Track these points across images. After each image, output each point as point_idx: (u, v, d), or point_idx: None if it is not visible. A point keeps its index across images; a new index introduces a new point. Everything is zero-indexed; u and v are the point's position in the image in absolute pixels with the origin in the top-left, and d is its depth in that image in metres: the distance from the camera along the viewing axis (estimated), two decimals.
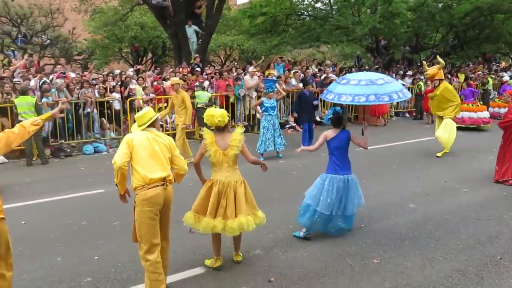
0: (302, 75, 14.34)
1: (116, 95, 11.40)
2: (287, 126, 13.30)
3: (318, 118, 13.07)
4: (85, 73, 12.88)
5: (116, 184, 3.73)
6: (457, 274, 4.15)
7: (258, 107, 9.68)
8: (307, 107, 10.28)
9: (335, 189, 4.88)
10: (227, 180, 4.17)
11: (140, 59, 23.73)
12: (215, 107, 4.95)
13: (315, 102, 10.64)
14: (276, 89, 9.66)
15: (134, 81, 11.94)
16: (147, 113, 3.91)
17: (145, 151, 3.68)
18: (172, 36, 15.87)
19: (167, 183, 3.72)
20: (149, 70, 15.01)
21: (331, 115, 5.07)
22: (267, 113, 9.39)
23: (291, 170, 8.24)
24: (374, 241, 4.93)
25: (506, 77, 17.55)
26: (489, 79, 17.33)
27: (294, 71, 14.78)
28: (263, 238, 5.00)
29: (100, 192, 7.05)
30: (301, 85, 13.47)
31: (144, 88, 11.60)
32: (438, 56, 11.17)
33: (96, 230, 5.39)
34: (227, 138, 4.25)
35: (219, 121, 4.20)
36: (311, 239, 4.98)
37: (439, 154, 9.33)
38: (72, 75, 11.80)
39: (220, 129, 4.28)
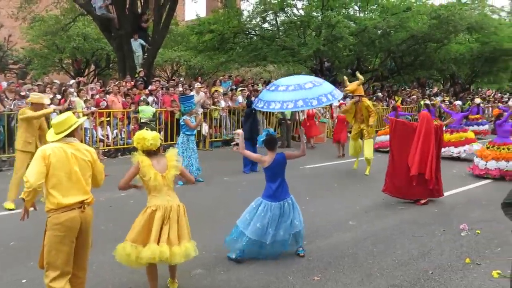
0: (248, 93, 14.50)
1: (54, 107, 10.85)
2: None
3: None
4: (20, 83, 12.20)
5: (23, 199, 3.34)
6: None
7: (189, 122, 8.55)
8: (255, 126, 10.03)
9: (269, 216, 4.80)
10: (169, 204, 3.91)
11: (82, 71, 22.87)
12: (150, 129, 4.41)
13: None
14: (196, 107, 9.05)
15: (74, 93, 11.47)
16: (68, 119, 3.45)
17: (63, 172, 3.31)
18: (117, 49, 15.49)
19: (85, 206, 3.41)
20: (91, 82, 14.52)
21: (264, 137, 4.92)
22: (189, 133, 8.53)
23: (236, 188, 8.23)
24: (316, 258, 5.01)
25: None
26: (422, 103, 18.47)
27: (240, 88, 14.93)
28: (206, 257, 4.90)
29: (31, 209, 6.60)
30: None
31: (85, 101, 11.17)
32: (357, 72, 11.57)
33: (27, 251, 5.02)
34: (162, 160, 4.03)
35: (151, 144, 3.92)
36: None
37: (367, 172, 9.75)
38: (4, 84, 11.13)
39: (152, 153, 4.00)
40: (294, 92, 4.74)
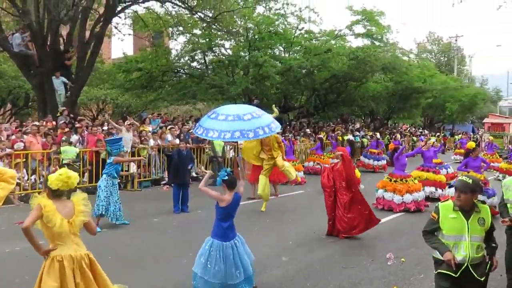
0: (179, 131, 14.36)
1: None
2: (163, 182, 12.98)
3: (194, 174, 12.98)
4: None
5: None
6: None
7: (120, 158, 8.35)
8: (182, 166, 9.61)
9: (223, 257, 4.60)
10: (77, 254, 3.51)
11: None
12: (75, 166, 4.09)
13: (189, 166, 10.14)
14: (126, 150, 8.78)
15: None
16: None
17: None
18: (37, 87, 14.69)
19: None
20: (8, 122, 13.55)
21: (225, 177, 4.78)
22: (114, 175, 8.10)
23: (165, 229, 7.93)
24: None
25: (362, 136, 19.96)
26: (345, 137, 19.48)
27: (170, 126, 14.75)
28: None
29: None
30: (177, 141, 13.47)
31: None
32: (274, 105, 11.57)
33: None
34: (67, 204, 3.62)
35: (72, 183, 3.59)
36: None
37: (263, 209, 9.43)
38: None
39: (57, 195, 3.60)
40: (233, 122, 4.78)
